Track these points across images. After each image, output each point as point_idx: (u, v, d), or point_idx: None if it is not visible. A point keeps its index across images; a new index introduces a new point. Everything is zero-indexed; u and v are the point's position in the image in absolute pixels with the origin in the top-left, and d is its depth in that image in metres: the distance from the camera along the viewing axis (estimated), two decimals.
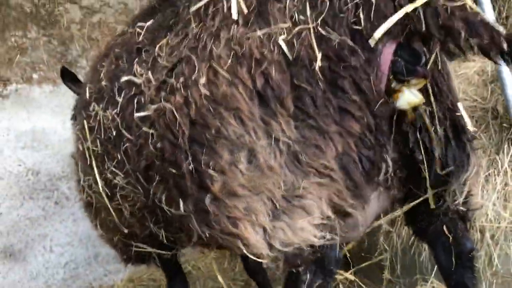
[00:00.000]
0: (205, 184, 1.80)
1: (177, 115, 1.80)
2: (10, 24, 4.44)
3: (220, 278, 2.75)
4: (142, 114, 1.91)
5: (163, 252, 2.43)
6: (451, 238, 2.07)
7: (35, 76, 4.61)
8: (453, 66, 2.77)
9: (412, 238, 2.81)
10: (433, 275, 2.85)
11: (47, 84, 4.65)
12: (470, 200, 2.09)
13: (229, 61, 1.71)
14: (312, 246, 1.86)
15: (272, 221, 1.80)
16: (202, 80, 1.74)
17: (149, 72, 1.91)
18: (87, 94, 2.33)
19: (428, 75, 1.70)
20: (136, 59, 2.03)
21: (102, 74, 2.23)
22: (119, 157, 2.09)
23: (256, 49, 1.69)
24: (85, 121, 2.32)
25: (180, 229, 2.08)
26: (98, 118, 2.19)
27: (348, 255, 3.01)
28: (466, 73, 3.31)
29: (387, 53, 1.65)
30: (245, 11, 1.71)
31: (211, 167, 1.77)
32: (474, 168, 2.02)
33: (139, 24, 2.18)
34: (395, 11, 1.62)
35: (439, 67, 1.81)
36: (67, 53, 4.77)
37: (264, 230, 1.81)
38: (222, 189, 1.78)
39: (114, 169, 2.14)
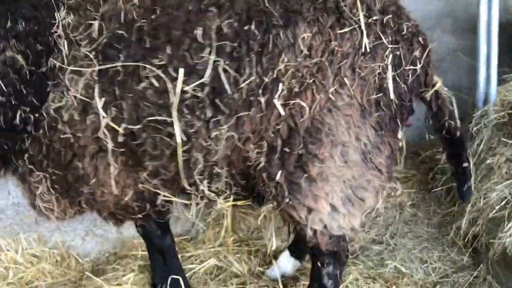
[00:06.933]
0: (306, 166, 2.38)
1: (305, 110, 2.35)
2: None
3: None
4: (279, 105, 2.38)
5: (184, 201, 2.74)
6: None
7: None
8: None
9: None
10: None
11: None
12: None
13: (352, 79, 2.40)
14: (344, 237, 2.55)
15: (342, 205, 2.45)
16: (332, 89, 2.36)
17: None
18: None
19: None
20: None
21: None
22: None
23: (371, 77, 2.42)
24: None
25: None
26: None
27: None
28: None
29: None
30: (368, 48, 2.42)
31: (316, 155, 2.36)
32: None
33: None
34: (425, 83, 2.62)
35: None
36: None
37: (333, 208, 2.43)
38: (318, 174, 2.38)
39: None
